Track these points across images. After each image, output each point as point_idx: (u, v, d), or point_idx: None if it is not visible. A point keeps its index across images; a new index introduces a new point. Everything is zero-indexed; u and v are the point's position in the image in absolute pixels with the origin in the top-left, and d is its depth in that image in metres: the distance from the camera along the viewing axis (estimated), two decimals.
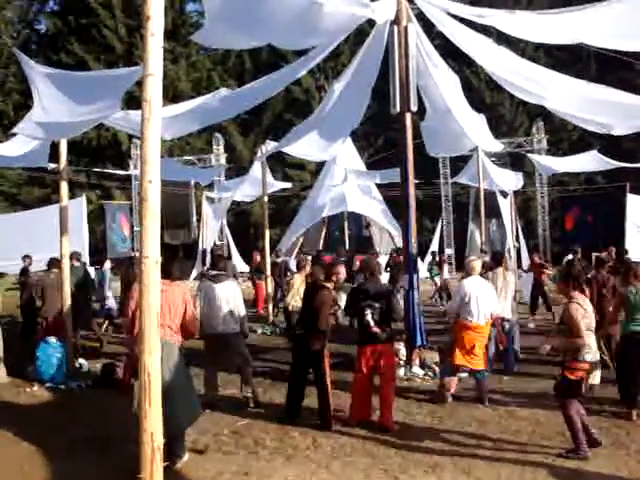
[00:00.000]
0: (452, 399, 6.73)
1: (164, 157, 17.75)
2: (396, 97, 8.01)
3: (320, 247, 24.46)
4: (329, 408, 6.04)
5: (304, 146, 11.12)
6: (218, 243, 24.72)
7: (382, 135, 30.54)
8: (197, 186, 24.20)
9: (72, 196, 24.02)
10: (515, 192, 19.38)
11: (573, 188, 24.40)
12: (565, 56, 24.97)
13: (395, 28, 7.96)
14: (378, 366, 5.99)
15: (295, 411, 6.23)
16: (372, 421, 6.00)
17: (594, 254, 17.49)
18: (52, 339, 8.28)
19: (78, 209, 21.12)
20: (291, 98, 31.04)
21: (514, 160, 23.57)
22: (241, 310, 6.82)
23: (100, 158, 29.42)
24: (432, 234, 23.44)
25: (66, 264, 8.36)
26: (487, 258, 9.78)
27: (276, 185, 17.60)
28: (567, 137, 26.64)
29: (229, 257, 18.66)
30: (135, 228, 26.24)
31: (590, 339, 5.09)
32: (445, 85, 9.52)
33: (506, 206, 16.20)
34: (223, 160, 24.18)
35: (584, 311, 5.12)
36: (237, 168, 26.75)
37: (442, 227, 22.74)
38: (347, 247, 23.25)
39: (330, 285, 6.21)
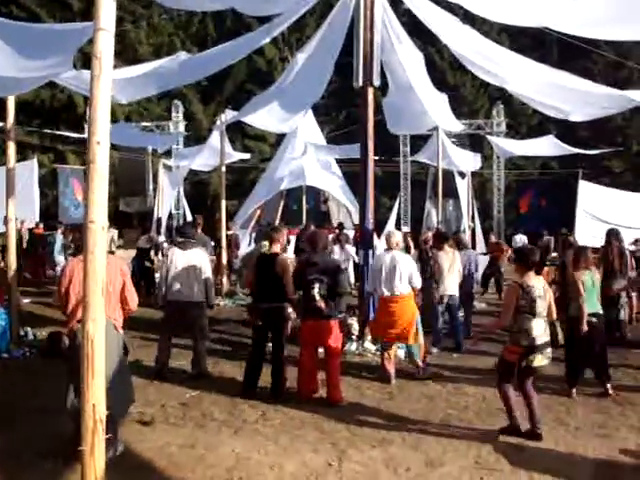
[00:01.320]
0: (395, 376, 6.71)
1: (120, 122, 17.15)
2: (359, 70, 7.90)
3: (277, 220, 24.33)
4: (283, 380, 6.04)
5: (264, 117, 10.89)
6: (174, 212, 24.32)
7: (344, 110, 30.42)
8: (154, 153, 23.63)
9: (23, 158, 23.15)
10: (472, 173, 19.63)
11: (529, 172, 24.89)
12: (528, 41, 25.22)
13: (361, 0, 7.81)
14: (321, 341, 5.96)
15: (254, 386, 6.15)
16: (321, 397, 5.99)
17: (545, 237, 17.94)
18: None
19: (29, 172, 20.33)
20: (254, 68, 30.49)
21: (473, 142, 23.85)
22: (208, 280, 6.69)
23: (54, 120, 28.31)
24: (390, 211, 23.60)
25: (11, 228, 8.04)
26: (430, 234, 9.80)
27: (234, 156, 17.30)
28: (526, 121, 27.10)
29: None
30: None
31: (530, 322, 4.93)
32: (409, 62, 9.44)
33: (463, 187, 16.39)
34: (182, 128, 23.64)
35: (523, 293, 4.94)
36: (196, 136, 26.20)
37: (399, 205, 22.88)
38: (304, 221, 23.23)
39: (278, 248, 6.16)
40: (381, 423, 5.36)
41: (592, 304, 6.32)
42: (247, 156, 18.88)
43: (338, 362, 6.05)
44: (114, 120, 25.73)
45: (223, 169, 12.94)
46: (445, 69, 26.89)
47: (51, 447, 4.60)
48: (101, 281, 3.33)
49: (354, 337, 8.29)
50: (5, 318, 7.87)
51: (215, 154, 14.14)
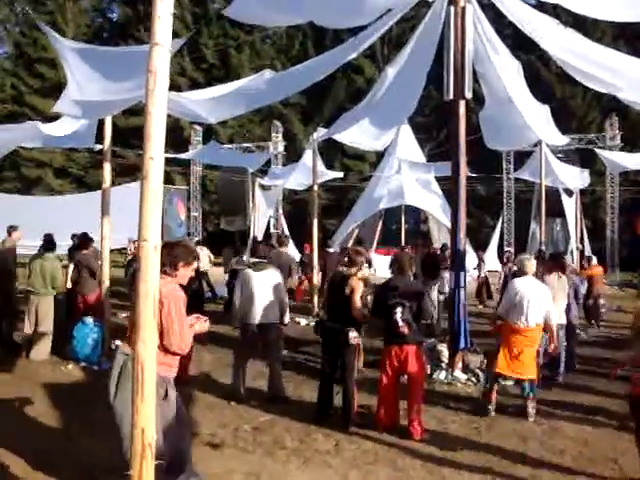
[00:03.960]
0: (494, 412, 6.17)
1: (210, 142, 17.61)
2: (450, 82, 7.49)
3: (376, 239, 24.07)
4: (352, 405, 5.71)
5: (356, 134, 10.73)
6: (273, 232, 24.70)
7: (445, 128, 29.76)
8: (255, 173, 24.24)
9: (134, 180, 24.49)
10: (583, 191, 18.30)
11: None
12: None
13: (452, 9, 7.43)
14: (405, 368, 5.56)
15: (326, 411, 5.91)
16: (401, 427, 5.59)
17: None
18: (89, 319, 8.30)
19: (136, 193, 21.39)
20: (353, 87, 30.64)
21: (584, 157, 22.33)
22: (283, 300, 6.57)
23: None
24: (493, 231, 22.57)
25: (106, 246, 8.33)
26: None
27: (328, 174, 17.25)
28: None
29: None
30: (193, 213, 26.59)
31: None
32: (506, 72, 8.88)
33: (571, 205, 15.28)
34: (281, 148, 24.05)
35: None
36: (296, 157, 26.65)
37: (502, 225, 21.84)
38: (402, 241, 22.81)
39: (355, 271, 5.88)
40: (464, 463, 4.87)
41: None
42: (340, 174, 18.78)
43: (421, 391, 5.64)
44: (218, 142, 26.79)
45: (315, 187, 12.86)
46: (552, 81, 25.55)
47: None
48: (152, 302, 3.20)
49: (443, 365, 7.79)
50: (98, 331, 8.15)
51: (309, 173, 14.12)
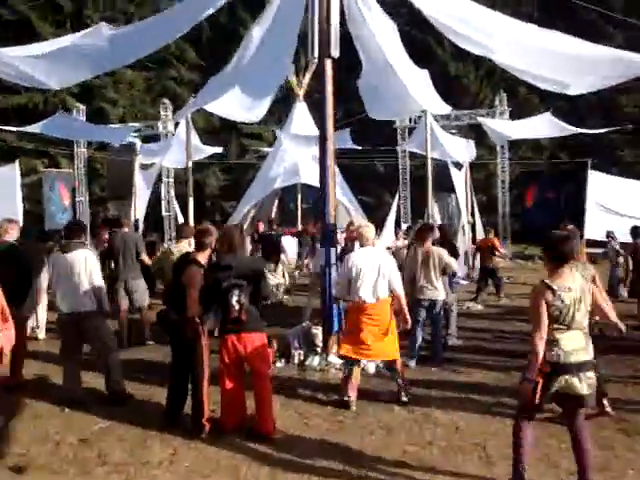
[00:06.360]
0: (355, 398, 5.52)
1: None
2: (314, 40, 6.78)
3: (273, 220, 23.34)
4: (202, 410, 4.88)
5: (229, 105, 9.81)
6: (165, 214, 23.36)
7: (342, 106, 29.30)
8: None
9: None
10: (477, 166, 18.33)
11: (534, 163, 23.54)
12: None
13: None
14: (246, 359, 4.83)
15: (175, 414, 5.10)
16: (250, 428, 4.86)
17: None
18: None
19: (11, 176, 19.43)
20: None
21: (479, 135, 22.53)
22: (95, 285, 5.59)
23: None
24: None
25: None
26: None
27: (205, 150, 16.10)
28: (530, 111, 25.79)
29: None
30: (78, 198, 24.63)
31: (561, 334, 3.58)
32: (381, 33, 8.28)
33: (460, 179, 15.14)
34: (171, 126, 22.62)
35: (554, 297, 3.55)
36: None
37: (399, 201, 21.65)
38: (299, 221, 22.31)
39: (203, 256, 5.04)
40: (319, 466, 4.21)
41: None
42: (219, 150, 17.61)
43: (268, 384, 4.88)
44: (107, 122, 24.91)
45: (190, 164, 11.76)
46: (446, 59, 25.65)
47: None
48: None
49: (318, 349, 7.16)
50: None
51: (184, 149, 12.91)
